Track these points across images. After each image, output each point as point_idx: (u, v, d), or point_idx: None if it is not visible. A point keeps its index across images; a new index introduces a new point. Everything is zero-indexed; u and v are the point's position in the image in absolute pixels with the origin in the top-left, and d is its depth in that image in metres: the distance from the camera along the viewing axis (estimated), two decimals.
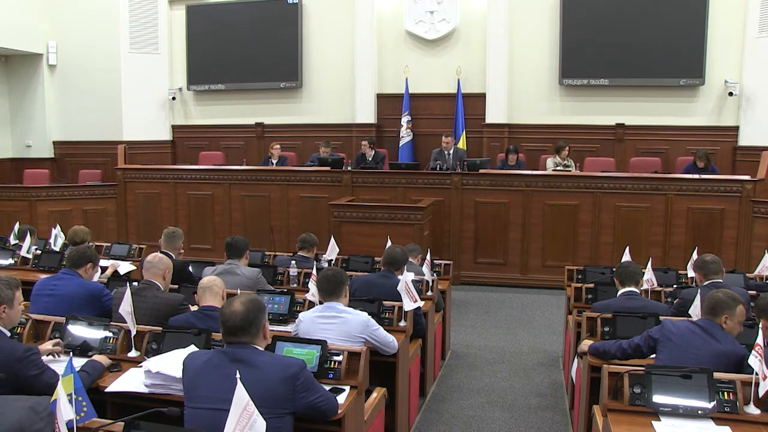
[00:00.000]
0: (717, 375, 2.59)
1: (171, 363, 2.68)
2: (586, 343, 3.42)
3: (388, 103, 9.35)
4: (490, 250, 7.45)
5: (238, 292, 3.77)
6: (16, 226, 6.22)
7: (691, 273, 4.70)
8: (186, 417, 2.32)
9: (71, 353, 2.51)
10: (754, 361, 2.51)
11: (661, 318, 3.35)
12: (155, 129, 10.09)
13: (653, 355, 3.08)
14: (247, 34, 9.64)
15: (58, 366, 2.65)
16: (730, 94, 8.17)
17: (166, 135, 10.24)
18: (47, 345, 3.05)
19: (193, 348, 2.83)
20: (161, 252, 4.30)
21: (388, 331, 3.43)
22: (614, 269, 4.20)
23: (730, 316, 2.96)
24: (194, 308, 3.52)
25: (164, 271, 3.74)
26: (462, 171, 7.57)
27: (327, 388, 2.61)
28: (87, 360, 2.90)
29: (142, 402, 2.60)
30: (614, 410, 2.60)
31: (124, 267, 5.40)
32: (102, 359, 2.95)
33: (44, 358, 2.83)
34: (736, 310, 2.97)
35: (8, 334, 2.74)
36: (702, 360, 2.80)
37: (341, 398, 2.65)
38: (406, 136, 9.06)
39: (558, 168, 7.86)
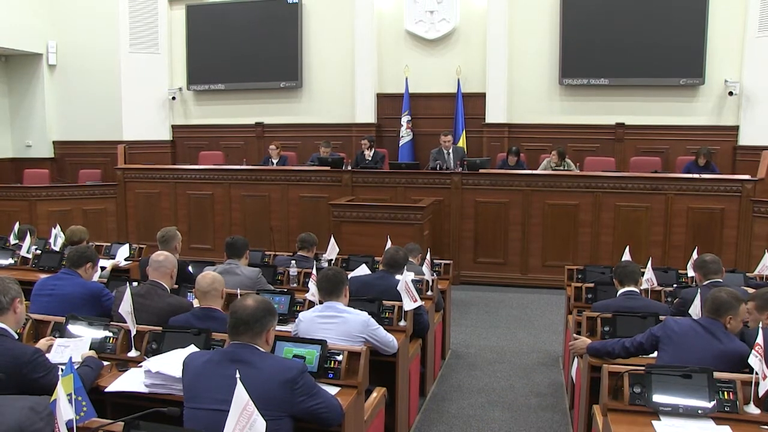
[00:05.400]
0: (717, 375, 2.58)
1: (171, 363, 2.68)
2: (583, 341, 3.41)
3: (388, 102, 9.35)
4: (490, 250, 7.45)
5: (238, 291, 3.79)
6: (16, 226, 6.23)
7: (691, 273, 4.70)
8: (185, 417, 2.32)
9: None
10: (754, 360, 2.51)
11: (663, 317, 3.34)
12: (155, 129, 10.09)
13: (654, 354, 3.08)
14: (247, 34, 9.64)
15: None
16: (730, 93, 8.17)
17: (165, 135, 10.24)
18: (41, 342, 3.07)
19: (193, 348, 2.83)
20: None
21: (388, 330, 3.43)
22: (613, 269, 4.20)
23: (734, 317, 2.96)
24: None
25: (172, 271, 3.72)
26: (462, 171, 7.56)
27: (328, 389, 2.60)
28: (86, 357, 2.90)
29: (142, 402, 2.59)
30: (614, 410, 2.59)
31: (122, 253, 5.49)
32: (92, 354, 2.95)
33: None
34: (740, 309, 2.97)
35: (15, 336, 2.74)
36: (704, 360, 2.79)
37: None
38: (406, 135, 9.06)
39: (556, 169, 7.85)
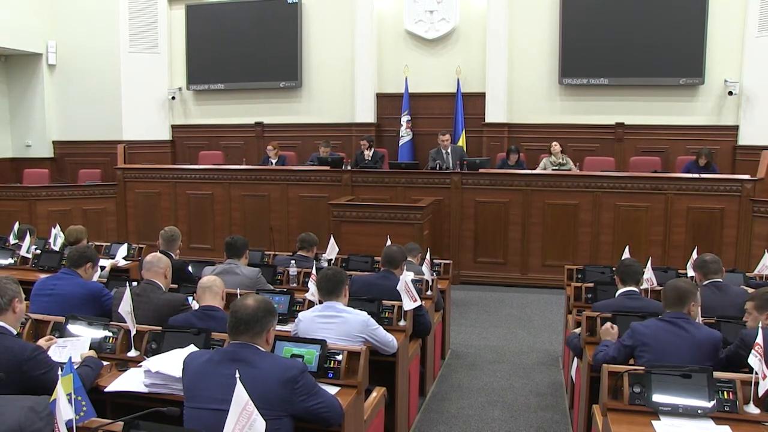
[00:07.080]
0: (717, 374, 2.58)
1: (170, 362, 2.68)
2: (610, 333, 3.30)
3: (387, 102, 9.36)
4: (490, 250, 7.45)
5: (238, 291, 3.79)
6: (16, 226, 6.22)
7: (690, 272, 4.69)
8: (186, 417, 2.32)
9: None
10: (754, 360, 2.51)
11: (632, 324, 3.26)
12: (155, 129, 10.09)
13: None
14: (247, 34, 9.64)
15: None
16: (730, 93, 8.17)
17: (165, 134, 10.24)
18: (41, 341, 3.07)
19: (192, 348, 2.83)
20: (160, 252, 4.31)
21: (387, 330, 3.43)
22: (615, 267, 4.19)
23: (695, 302, 3.04)
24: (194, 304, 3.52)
25: (165, 270, 3.74)
26: (462, 170, 7.56)
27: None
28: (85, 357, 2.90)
29: (142, 402, 2.59)
30: (614, 410, 2.59)
31: (121, 253, 5.52)
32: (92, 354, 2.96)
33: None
34: (697, 295, 3.06)
35: (14, 333, 2.73)
36: (683, 355, 2.83)
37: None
38: (405, 135, 9.07)
39: (555, 168, 7.86)
